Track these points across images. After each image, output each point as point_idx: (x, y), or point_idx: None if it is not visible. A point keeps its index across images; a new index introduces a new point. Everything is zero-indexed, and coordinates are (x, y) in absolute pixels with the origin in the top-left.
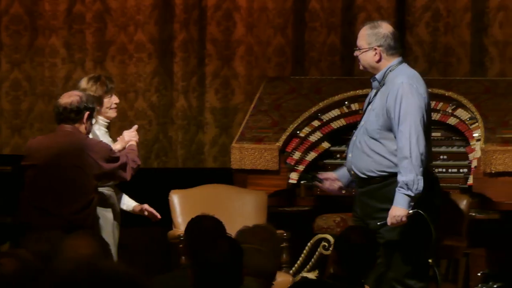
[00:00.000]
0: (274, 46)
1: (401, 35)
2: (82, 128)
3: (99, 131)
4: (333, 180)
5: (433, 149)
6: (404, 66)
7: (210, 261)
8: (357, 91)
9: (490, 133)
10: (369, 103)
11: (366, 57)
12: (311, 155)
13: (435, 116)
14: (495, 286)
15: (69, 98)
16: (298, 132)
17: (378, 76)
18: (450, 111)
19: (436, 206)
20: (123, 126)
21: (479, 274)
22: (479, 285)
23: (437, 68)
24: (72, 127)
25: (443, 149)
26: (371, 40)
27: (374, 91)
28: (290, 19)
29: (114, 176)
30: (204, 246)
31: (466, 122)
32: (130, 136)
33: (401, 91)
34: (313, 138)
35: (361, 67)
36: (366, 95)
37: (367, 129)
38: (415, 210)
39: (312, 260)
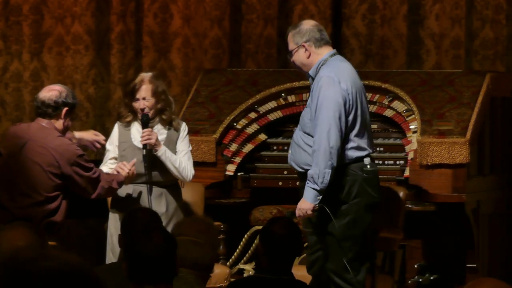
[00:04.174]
0: (211, 38)
1: (337, 28)
2: (59, 123)
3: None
4: None
5: None
6: (336, 59)
7: (142, 253)
8: (294, 83)
9: (426, 125)
10: (307, 100)
11: (298, 56)
12: (248, 147)
13: (372, 108)
14: (431, 277)
15: (48, 92)
16: (235, 124)
17: (311, 72)
18: (386, 103)
19: (366, 199)
20: None
21: (416, 266)
22: (416, 276)
23: (373, 61)
24: (48, 122)
25: (379, 141)
26: (297, 39)
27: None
28: (227, 11)
29: (78, 185)
30: (137, 239)
31: (403, 114)
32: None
33: (320, 84)
34: (250, 130)
35: (297, 69)
36: (302, 87)
37: (301, 124)
38: (321, 204)
39: (249, 252)
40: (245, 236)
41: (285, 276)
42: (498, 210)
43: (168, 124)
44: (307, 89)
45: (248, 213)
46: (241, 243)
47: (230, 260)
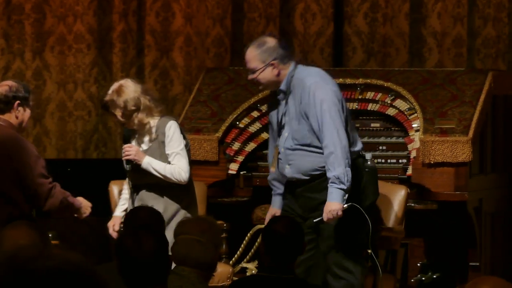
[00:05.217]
0: (213, 37)
1: (339, 26)
2: (13, 117)
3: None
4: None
5: (372, 140)
6: (302, 67)
7: (132, 258)
8: None
9: (428, 124)
10: (282, 115)
11: (265, 75)
12: (251, 146)
13: (374, 107)
14: (433, 276)
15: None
16: (237, 122)
17: (282, 86)
18: (389, 101)
19: (371, 195)
20: (62, 117)
21: (418, 264)
22: (418, 275)
23: (375, 59)
24: (3, 119)
25: (382, 139)
26: (264, 58)
27: (282, 102)
28: (229, 9)
29: (29, 186)
30: (126, 243)
31: (405, 113)
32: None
33: (313, 91)
34: (253, 128)
35: (261, 87)
36: None
37: (296, 138)
38: (350, 203)
39: (252, 250)
40: (248, 235)
41: (287, 275)
42: (500, 208)
43: (141, 126)
44: None
45: (250, 212)
46: (244, 242)
47: (233, 259)
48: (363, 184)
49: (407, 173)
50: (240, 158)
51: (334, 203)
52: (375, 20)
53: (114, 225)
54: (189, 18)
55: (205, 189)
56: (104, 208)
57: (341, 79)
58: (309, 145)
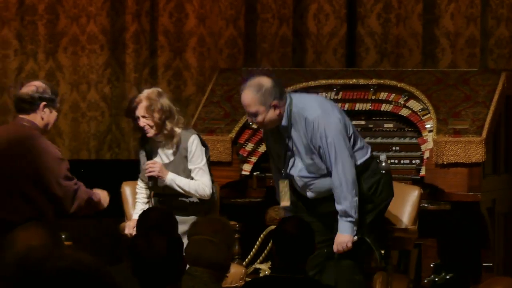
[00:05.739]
0: (226, 38)
1: (352, 27)
2: (38, 118)
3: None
4: None
5: (386, 140)
6: (297, 97)
7: (144, 259)
8: (309, 83)
9: (442, 124)
10: (287, 148)
11: (269, 117)
12: (264, 147)
13: (387, 107)
14: (447, 276)
15: (25, 88)
16: (250, 123)
17: (284, 122)
18: (402, 102)
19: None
20: (76, 118)
21: (431, 265)
22: (432, 275)
23: (388, 59)
24: (27, 119)
25: (395, 140)
26: (265, 100)
27: (284, 135)
28: (242, 10)
29: (53, 189)
30: (138, 244)
31: (418, 113)
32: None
33: (317, 126)
34: None
35: (262, 127)
36: (318, 87)
37: (312, 171)
38: (360, 236)
39: (265, 251)
40: (261, 235)
41: (299, 275)
42: None
43: (169, 137)
44: (323, 88)
45: (263, 212)
46: (257, 242)
47: (246, 260)
48: (378, 185)
49: (420, 173)
50: (253, 159)
51: (344, 236)
52: (388, 20)
53: (133, 227)
54: (202, 18)
55: (218, 189)
56: (116, 209)
57: (354, 80)
58: (326, 173)
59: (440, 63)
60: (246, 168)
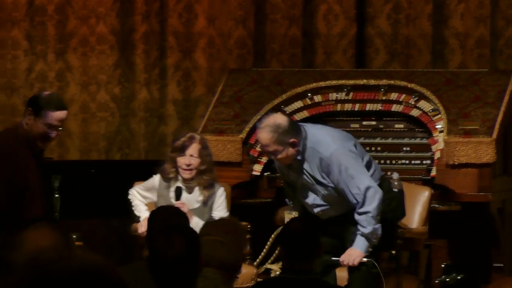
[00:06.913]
0: (236, 38)
1: (362, 27)
2: (23, 123)
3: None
4: None
5: (396, 141)
6: (310, 131)
7: (164, 258)
8: (320, 83)
9: (452, 125)
10: (299, 179)
11: (287, 153)
12: None
13: (398, 108)
14: (457, 277)
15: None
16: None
17: (299, 157)
18: (412, 102)
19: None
20: (85, 118)
21: (442, 265)
22: (442, 276)
23: (398, 60)
24: (18, 121)
25: (405, 140)
26: (283, 139)
27: (294, 166)
28: (251, 11)
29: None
30: (158, 243)
31: (429, 114)
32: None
33: (334, 161)
34: None
35: (281, 163)
36: (329, 87)
37: (328, 202)
38: (370, 260)
39: (276, 251)
40: (272, 236)
41: (308, 276)
42: None
43: (205, 187)
44: (333, 89)
45: (274, 213)
46: (268, 243)
47: (257, 260)
48: (391, 202)
49: (431, 174)
50: (264, 159)
51: (357, 251)
52: (398, 21)
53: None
54: (212, 19)
55: (228, 190)
56: (126, 209)
57: (364, 80)
58: (342, 201)
59: (449, 64)
60: (257, 169)
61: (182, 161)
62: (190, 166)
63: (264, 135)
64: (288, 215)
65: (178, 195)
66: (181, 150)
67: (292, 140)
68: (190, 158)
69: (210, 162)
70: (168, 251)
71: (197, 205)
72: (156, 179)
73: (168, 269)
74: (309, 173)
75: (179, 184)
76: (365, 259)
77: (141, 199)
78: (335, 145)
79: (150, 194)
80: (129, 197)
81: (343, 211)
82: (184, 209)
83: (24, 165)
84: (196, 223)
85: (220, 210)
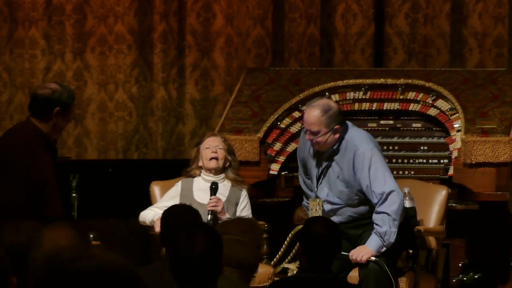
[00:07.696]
0: (254, 37)
1: (380, 26)
2: (47, 124)
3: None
4: None
5: (414, 140)
6: (350, 127)
7: (185, 258)
8: (337, 82)
9: (470, 124)
10: (323, 169)
11: (328, 139)
12: (292, 146)
13: (415, 107)
14: (475, 276)
15: (42, 89)
16: (278, 123)
17: (336, 147)
18: (430, 101)
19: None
20: (103, 118)
21: (460, 264)
22: (460, 275)
23: (416, 59)
24: (33, 122)
25: (423, 140)
26: (329, 123)
27: (325, 155)
28: (270, 10)
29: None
30: (180, 244)
31: (446, 113)
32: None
33: (365, 156)
34: (294, 129)
35: (317, 147)
36: (346, 86)
37: (341, 198)
38: (378, 259)
39: (293, 251)
40: (289, 235)
41: (326, 275)
42: None
43: (236, 182)
44: (351, 88)
45: (291, 212)
46: (285, 242)
47: (274, 259)
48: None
49: (448, 173)
50: (282, 159)
51: (367, 248)
52: (416, 20)
53: None
54: (230, 18)
55: (247, 189)
56: (144, 208)
57: (382, 80)
58: (355, 204)
59: (468, 63)
60: (274, 168)
61: (207, 151)
62: (216, 155)
63: (314, 113)
64: (313, 202)
65: (214, 190)
66: (207, 142)
67: (336, 126)
68: (215, 147)
69: (235, 160)
70: (190, 250)
71: (223, 199)
72: (178, 185)
73: (189, 269)
74: (336, 165)
75: (200, 182)
76: (373, 258)
77: (158, 211)
78: (371, 145)
79: (173, 202)
80: (140, 219)
81: (352, 214)
82: (219, 204)
83: (43, 161)
84: (228, 218)
85: (245, 211)
